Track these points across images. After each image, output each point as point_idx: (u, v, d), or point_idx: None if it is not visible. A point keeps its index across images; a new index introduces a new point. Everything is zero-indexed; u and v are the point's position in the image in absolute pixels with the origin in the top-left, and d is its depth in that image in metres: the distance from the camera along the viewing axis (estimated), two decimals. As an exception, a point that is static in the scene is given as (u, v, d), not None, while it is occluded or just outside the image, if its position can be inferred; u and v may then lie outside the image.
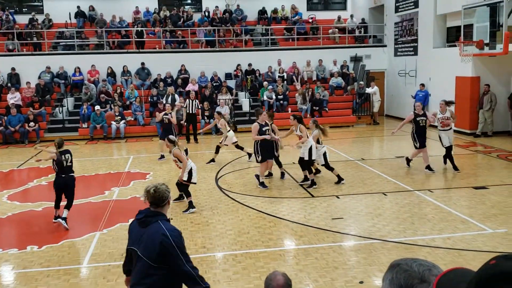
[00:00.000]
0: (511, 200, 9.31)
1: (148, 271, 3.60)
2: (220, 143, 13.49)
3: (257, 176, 10.87)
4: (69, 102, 20.22)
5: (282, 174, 11.64)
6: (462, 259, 6.66)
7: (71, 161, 8.54)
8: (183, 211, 9.20)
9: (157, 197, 3.75)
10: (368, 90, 21.22)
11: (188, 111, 17.51)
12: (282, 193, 10.37)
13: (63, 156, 8.44)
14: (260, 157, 10.84)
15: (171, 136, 9.75)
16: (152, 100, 19.93)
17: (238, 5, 24.81)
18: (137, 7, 24.22)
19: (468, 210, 8.83)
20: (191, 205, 9.28)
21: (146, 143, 17.70)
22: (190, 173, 9.27)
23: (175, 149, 9.20)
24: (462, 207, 9.04)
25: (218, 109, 18.24)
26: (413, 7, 20.41)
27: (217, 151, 13.51)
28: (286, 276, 3.19)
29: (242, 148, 13.74)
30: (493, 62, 16.56)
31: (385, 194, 10.01)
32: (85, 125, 18.86)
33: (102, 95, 19.54)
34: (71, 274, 6.60)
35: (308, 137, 10.57)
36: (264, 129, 10.80)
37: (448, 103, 11.86)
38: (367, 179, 11.31)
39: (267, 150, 10.87)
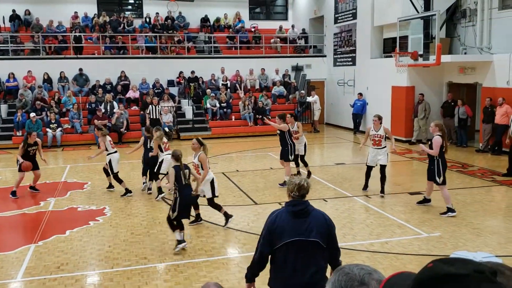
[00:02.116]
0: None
1: (320, 255, 3.93)
2: None
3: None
4: (2, 109, 19.31)
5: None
6: (399, 262, 6.89)
7: (189, 178, 7.61)
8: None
9: (308, 189, 4.06)
10: (309, 99, 21.66)
11: (151, 117, 17.40)
12: (226, 200, 10.34)
13: (181, 171, 7.45)
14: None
15: (199, 139, 8.71)
16: (90, 107, 19.39)
17: (180, 12, 24.65)
18: (75, 12, 23.53)
19: (404, 215, 9.15)
20: (227, 216, 8.54)
21: (84, 151, 17.17)
22: (212, 184, 8.50)
23: (202, 153, 8.39)
24: (399, 212, 9.36)
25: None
26: (352, 18, 21.05)
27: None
28: (219, 286, 3.18)
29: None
30: (427, 72, 17.35)
31: (325, 200, 10.21)
32: (19, 133, 18.05)
33: (38, 102, 18.81)
34: (2, 290, 6.27)
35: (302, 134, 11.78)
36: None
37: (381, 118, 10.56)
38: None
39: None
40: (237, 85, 22.08)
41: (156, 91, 20.69)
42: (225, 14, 25.52)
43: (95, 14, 24.03)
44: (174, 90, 21.35)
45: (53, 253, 7.45)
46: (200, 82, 21.74)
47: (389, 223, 8.72)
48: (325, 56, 23.91)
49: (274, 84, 22.54)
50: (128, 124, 18.96)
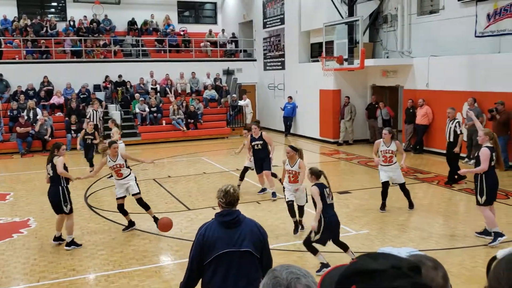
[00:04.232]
0: (371, 203, 10.08)
1: (254, 265, 3.80)
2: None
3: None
4: None
5: None
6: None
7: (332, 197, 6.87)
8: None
9: (236, 197, 3.90)
10: (241, 102, 21.80)
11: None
12: (158, 208, 10.17)
13: (324, 190, 6.75)
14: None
15: (293, 145, 8.46)
16: (12, 114, 18.42)
17: (106, 15, 24.02)
18: (-7, 14, 22.32)
19: (334, 214, 9.39)
20: (297, 226, 8.41)
21: (6, 160, 16.31)
22: (306, 191, 8.27)
23: (300, 160, 8.18)
24: (328, 212, 9.58)
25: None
26: (280, 23, 21.40)
27: None
28: None
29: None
30: (352, 76, 17.97)
31: (258, 203, 10.30)
32: None
33: (-48, 110, 17.65)
34: None
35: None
36: (253, 143, 10.71)
37: (392, 133, 9.44)
38: (242, 189, 11.50)
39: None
40: (167, 89, 21.80)
41: (81, 96, 20.02)
42: (151, 14, 25.09)
43: (15, 17, 22.88)
44: (101, 95, 20.74)
45: (-28, 269, 7.01)
46: (128, 86, 21.26)
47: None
48: (255, 60, 24.15)
49: (205, 88, 22.47)
50: (52, 131, 18.19)
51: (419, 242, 7.78)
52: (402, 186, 9.48)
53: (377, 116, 17.26)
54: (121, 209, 8.58)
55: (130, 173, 8.69)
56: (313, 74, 18.91)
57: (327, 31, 17.02)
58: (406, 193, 9.53)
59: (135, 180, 8.76)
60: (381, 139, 9.42)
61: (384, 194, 9.51)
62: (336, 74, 17.74)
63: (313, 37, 19.81)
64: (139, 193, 8.64)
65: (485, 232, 7.84)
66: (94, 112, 17.36)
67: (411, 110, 15.83)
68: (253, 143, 10.67)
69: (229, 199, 3.85)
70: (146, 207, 8.68)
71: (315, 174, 6.88)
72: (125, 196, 8.61)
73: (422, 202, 10.42)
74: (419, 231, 8.38)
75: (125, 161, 8.62)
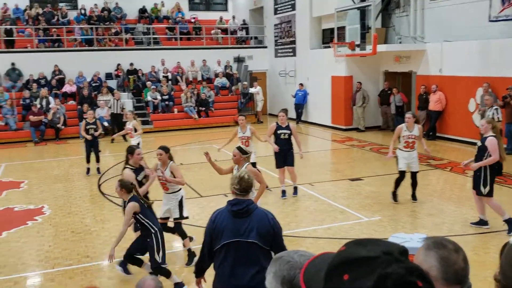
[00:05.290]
0: (383, 190, 10.04)
1: (260, 257, 3.72)
2: None
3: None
4: None
5: None
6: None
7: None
8: None
9: (250, 183, 3.84)
10: (252, 90, 21.73)
11: (112, 111, 16.90)
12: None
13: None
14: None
15: (242, 146, 7.03)
16: (24, 102, 18.57)
17: (117, 3, 24.02)
18: (5, 4, 22.38)
19: (345, 201, 9.40)
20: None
21: (20, 149, 16.48)
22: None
23: (249, 166, 6.65)
24: (340, 198, 9.59)
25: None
26: (291, 9, 21.23)
27: None
28: (156, 280, 3.17)
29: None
30: (364, 62, 17.80)
31: (270, 190, 10.30)
32: None
33: (-33, 99, 17.82)
34: None
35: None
36: (279, 131, 9.69)
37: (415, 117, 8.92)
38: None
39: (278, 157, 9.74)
40: (179, 77, 21.80)
41: (93, 84, 20.10)
42: (162, 1, 25.03)
43: (27, 6, 22.97)
44: (112, 83, 20.80)
45: (-11, 256, 7.12)
46: (140, 74, 21.29)
47: (331, 209, 8.93)
48: (266, 47, 24.01)
49: (216, 75, 22.44)
50: (65, 120, 18.32)
51: (432, 229, 7.74)
52: (414, 175, 9.02)
53: (390, 103, 17.13)
54: (167, 229, 6.93)
55: (180, 189, 7.06)
56: (324, 61, 18.77)
57: (339, 16, 16.85)
58: (415, 184, 9.10)
59: (182, 198, 7.01)
60: (403, 124, 8.82)
61: (399, 183, 9.05)
62: (348, 60, 17.59)
63: (325, 22, 19.62)
64: (179, 218, 6.92)
65: (481, 222, 7.70)
66: (116, 101, 17.39)
67: (424, 96, 15.67)
68: (279, 131, 9.65)
69: (244, 185, 3.81)
70: (183, 235, 6.92)
71: (126, 187, 5.68)
72: (168, 218, 7.07)
73: (435, 188, 10.36)
74: (431, 217, 8.34)
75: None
